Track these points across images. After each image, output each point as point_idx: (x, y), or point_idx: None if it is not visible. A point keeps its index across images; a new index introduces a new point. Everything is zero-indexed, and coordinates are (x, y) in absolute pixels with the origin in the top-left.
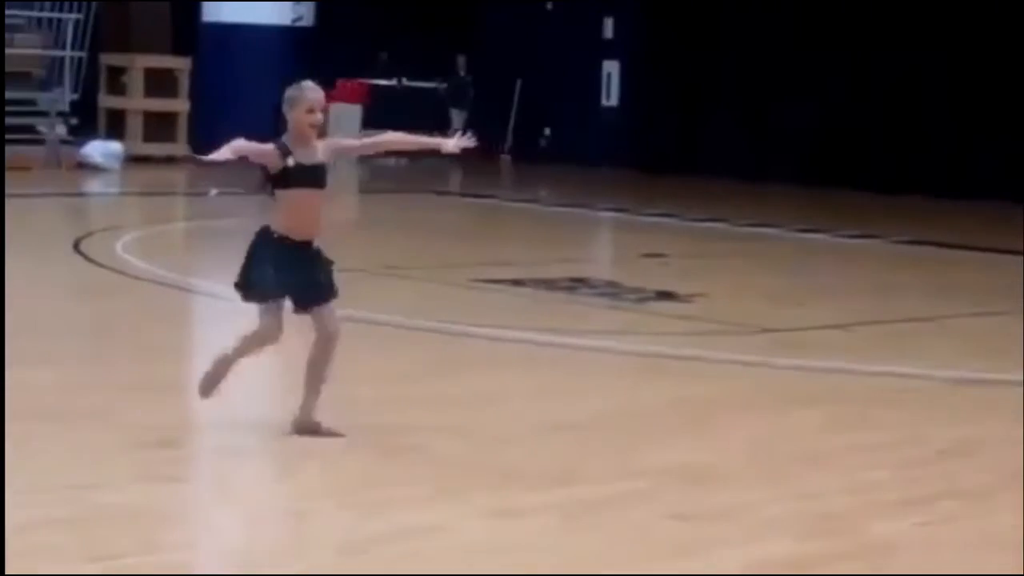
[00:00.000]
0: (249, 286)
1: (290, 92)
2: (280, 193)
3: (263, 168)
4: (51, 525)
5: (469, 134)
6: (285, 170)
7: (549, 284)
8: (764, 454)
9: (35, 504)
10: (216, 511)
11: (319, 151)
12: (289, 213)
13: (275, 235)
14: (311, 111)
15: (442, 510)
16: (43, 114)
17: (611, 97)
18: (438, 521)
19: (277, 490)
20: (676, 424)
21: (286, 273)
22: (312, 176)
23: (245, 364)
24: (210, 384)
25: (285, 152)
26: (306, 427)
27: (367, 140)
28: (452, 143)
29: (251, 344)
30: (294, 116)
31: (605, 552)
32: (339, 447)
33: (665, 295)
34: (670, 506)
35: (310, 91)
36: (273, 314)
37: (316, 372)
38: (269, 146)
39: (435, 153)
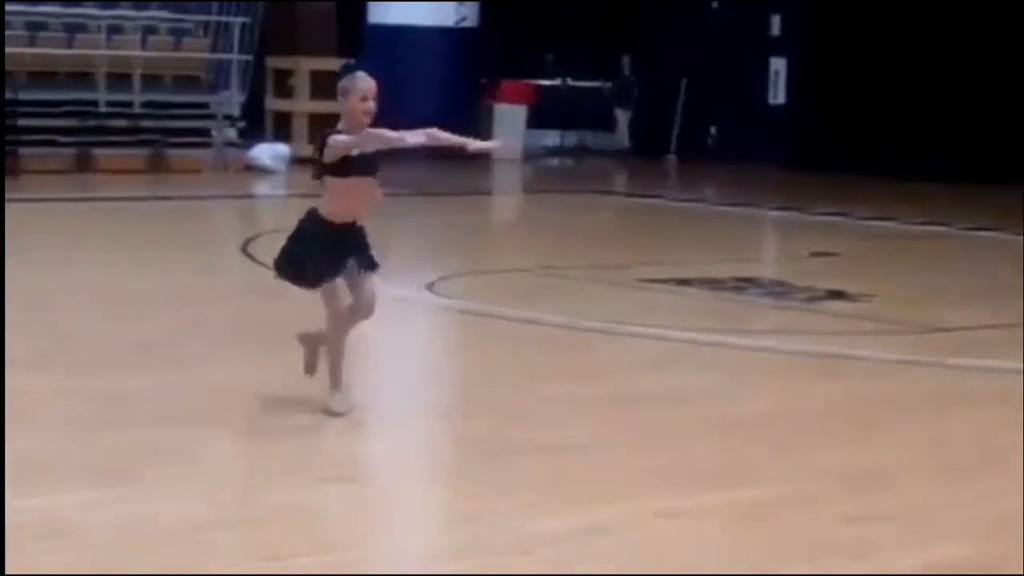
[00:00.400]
0: (303, 272)
1: (344, 82)
2: (335, 180)
3: (319, 156)
4: (221, 525)
5: (495, 139)
6: (346, 158)
7: (716, 284)
8: (938, 455)
9: (205, 504)
10: (386, 511)
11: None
12: (344, 199)
13: (324, 219)
14: (364, 99)
15: (609, 511)
16: (212, 117)
17: (778, 95)
18: (605, 522)
19: (446, 490)
20: (847, 425)
21: (335, 252)
22: (368, 164)
23: (417, 366)
24: (336, 382)
25: None
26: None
27: (406, 133)
28: (477, 143)
29: (337, 328)
30: (348, 105)
31: (775, 554)
32: (506, 448)
33: (835, 294)
34: (841, 507)
35: (363, 80)
36: (333, 292)
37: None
38: (343, 137)
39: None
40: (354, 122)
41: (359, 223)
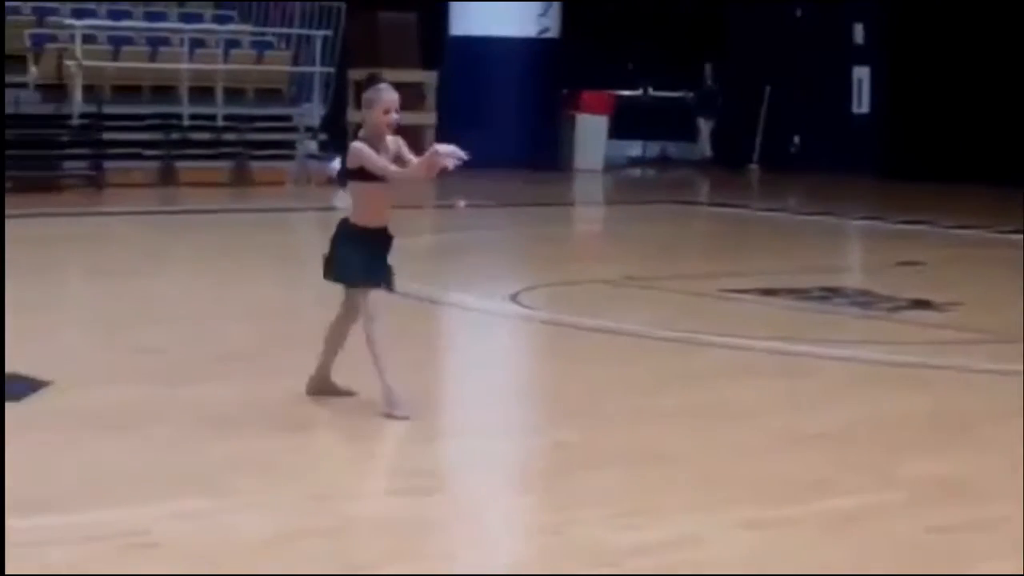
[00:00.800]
0: (349, 276)
1: (368, 94)
2: (359, 186)
3: (342, 163)
4: (304, 535)
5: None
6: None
7: (801, 294)
8: None
9: (290, 515)
10: (471, 522)
11: (391, 147)
12: (368, 204)
13: (357, 226)
14: (387, 111)
15: (695, 522)
16: (295, 130)
17: (862, 104)
18: (692, 533)
19: (531, 501)
20: (933, 435)
21: (376, 260)
22: None
23: (501, 377)
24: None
25: (376, 151)
26: (322, 388)
27: (420, 160)
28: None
29: (377, 324)
30: (373, 116)
31: (864, 564)
32: (591, 460)
33: (920, 303)
34: (929, 518)
35: (386, 92)
36: (360, 297)
37: (342, 340)
38: (367, 147)
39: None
40: (376, 133)
41: (389, 230)
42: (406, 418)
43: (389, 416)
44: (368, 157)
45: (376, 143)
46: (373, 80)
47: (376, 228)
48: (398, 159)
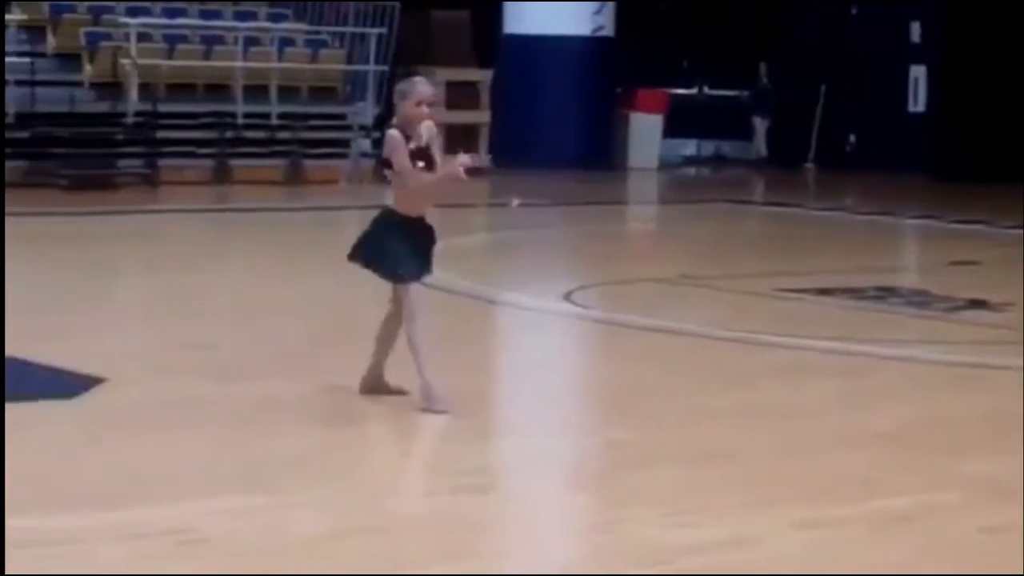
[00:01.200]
0: (402, 271)
1: (401, 86)
2: (392, 173)
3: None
4: (355, 533)
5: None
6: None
7: (857, 293)
8: None
9: (337, 512)
10: (523, 520)
11: (423, 135)
12: (408, 193)
13: (399, 214)
14: (419, 104)
15: (749, 521)
16: (349, 128)
17: (918, 103)
18: (745, 532)
19: (582, 500)
20: (988, 435)
21: (422, 250)
22: (423, 158)
23: (555, 376)
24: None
25: (407, 139)
26: (375, 387)
27: (443, 171)
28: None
29: (417, 321)
30: (405, 108)
31: (917, 565)
32: (645, 459)
33: (977, 304)
34: (983, 519)
35: (420, 85)
36: (402, 292)
37: (394, 338)
38: (400, 139)
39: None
40: (409, 124)
41: (427, 220)
42: (444, 412)
43: (427, 411)
44: (397, 151)
45: (408, 131)
46: (409, 73)
47: (417, 217)
48: (425, 150)
